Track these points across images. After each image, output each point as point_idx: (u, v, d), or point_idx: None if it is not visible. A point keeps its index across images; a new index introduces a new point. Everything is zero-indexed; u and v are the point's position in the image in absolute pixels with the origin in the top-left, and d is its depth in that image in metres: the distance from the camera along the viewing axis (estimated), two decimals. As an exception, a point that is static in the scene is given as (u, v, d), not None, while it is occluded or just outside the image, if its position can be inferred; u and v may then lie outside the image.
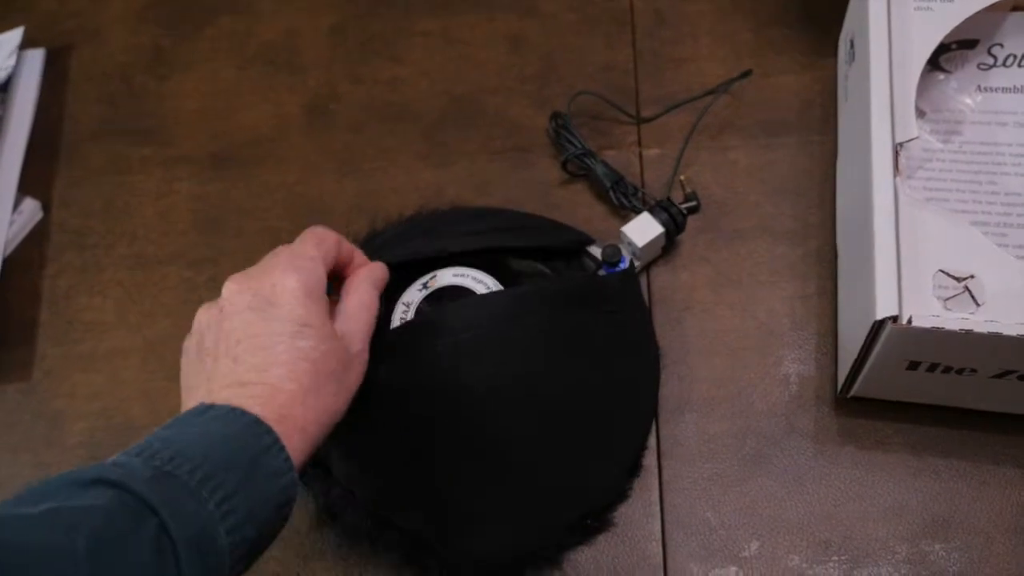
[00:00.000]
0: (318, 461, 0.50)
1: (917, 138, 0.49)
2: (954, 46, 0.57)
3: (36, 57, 0.70)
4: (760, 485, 0.51)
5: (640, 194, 0.59)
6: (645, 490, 0.52)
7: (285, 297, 0.41)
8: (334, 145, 0.65)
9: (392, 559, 0.50)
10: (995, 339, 0.43)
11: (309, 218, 0.62)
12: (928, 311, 0.44)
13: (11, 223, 0.63)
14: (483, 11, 0.69)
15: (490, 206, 0.61)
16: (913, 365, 0.47)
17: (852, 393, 0.51)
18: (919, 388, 0.49)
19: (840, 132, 0.60)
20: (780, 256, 0.57)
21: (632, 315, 0.54)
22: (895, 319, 0.44)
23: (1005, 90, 0.57)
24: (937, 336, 0.43)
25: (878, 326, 0.44)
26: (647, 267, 0.58)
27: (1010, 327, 0.42)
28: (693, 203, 0.57)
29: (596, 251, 0.56)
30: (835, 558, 0.49)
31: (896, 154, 0.48)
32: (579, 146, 0.60)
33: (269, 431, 0.38)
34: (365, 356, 0.44)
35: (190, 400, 0.41)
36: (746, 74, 0.62)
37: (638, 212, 0.57)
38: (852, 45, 0.57)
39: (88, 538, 0.32)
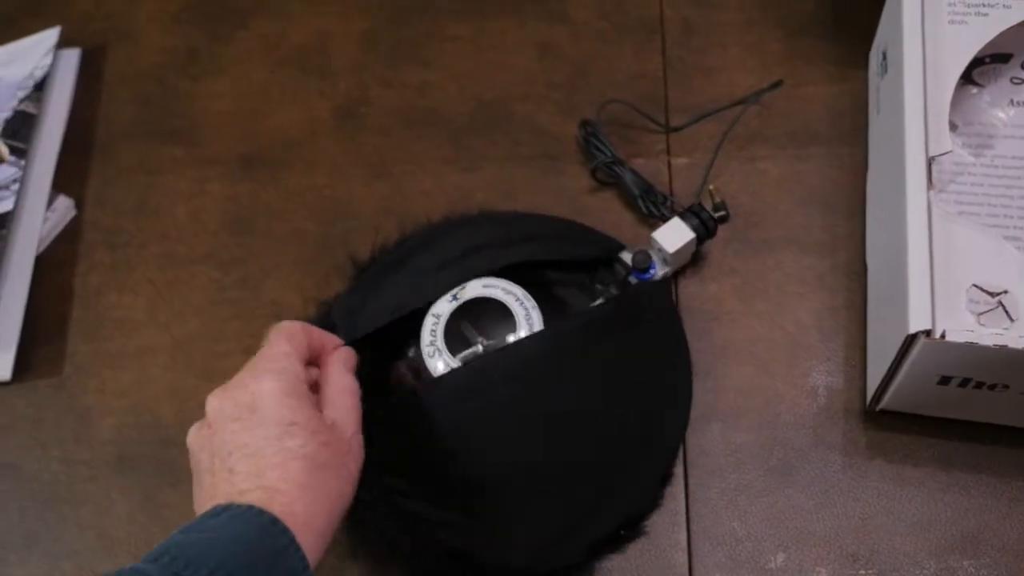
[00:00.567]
0: None
1: (950, 152, 0.49)
2: (988, 60, 0.57)
3: (72, 57, 0.71)
4: (787, 497, 0.51)
5: (669, 202, 0.59)
6: (671, 500, 0.52)
7: (265, 401, 0.42)
8: (363, 149, 0.66)
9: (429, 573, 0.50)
10: (1029, 355, 0.43)
11: (338, 220, 0.62)
12: (962, 326, 0.43)
13: (45, 220, 0.64)
14: (513, 17, 0.69)
15: (520, 211, 0.61)
16: (944, 380, 0.46)
17: (881, 406, 0.51)
18: (950, 403, 0.49)
19: (871, 144, 0.59)
20: (808, 267, 0.57)
21: (665, 324, 0.55)
22: (928, 333, 0.44)
23: (1039, 105, 0.57)
24: (970, 351, 0.43)
25: (910, 340, 0.44)
26: (675, 276, 0.58)
27: (1046, 343, 0.42)
28: (722, 212, 0.57)
29: (626, 256, 0.56)
30: (862, 572, 0.49)
31: (929, 168, 0.48)
32: (609, 154, 0.60)
33: (285, 531, 0.38)
34: (359, 438, 0.45)
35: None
36: (776, 84, 0.62)
37: (667, 220, 0.57)
38: (884, 57, 0.57)
39: None
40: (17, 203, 0.63)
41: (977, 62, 0.57)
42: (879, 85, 0.58)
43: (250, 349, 0.57)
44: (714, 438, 0.53)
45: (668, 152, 0.62)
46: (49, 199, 0.64)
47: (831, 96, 0.63)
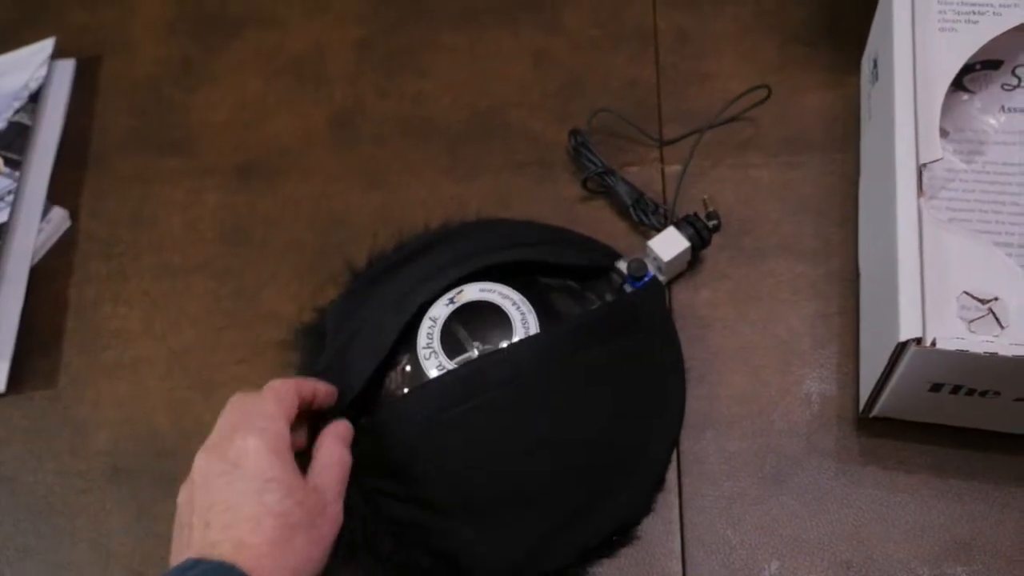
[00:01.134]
0: None
1: (941, 159, 0.49)
2: (978, 66, 0.57)
3: (67, 67, 0.71)
4: (781, 504, 0.51)
5: (661, 211, 0.59)
6: (666, 507, 0.52)
7: (250, 457, 0.43)
8: (359, 158, 0.66)
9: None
10: (1020, 362, 0.43)
11: (334, 230, 0.63)
12: (952, 333, 0.44)
13: (39, 232, 0.64)
14: (508, 27, 0.69)
15: (516, 218, 0.61)
16: (936, 387, 0.46)
17: (874, 413, 0.51)
18: (942, 409, 0.49)
19: (863, 151, 0.60)
20: (801, 274, 0.57)
21: (660, 330, 0.55)
22: (919, 341, 0.44)
23: (1030, 111, 0.57)
24: (961, 359, 0.43)
25: (901, 347, 0.44)
26: (669, 283, 0.58)
27: (1036, 350, 0.42)
28: (715, 222, 0.57)
29: (622, 265, 0.56)
30: (855, 579, 0.49)
31: (920, 174, 0.48)
32: (599, 164, 0.60)
33: None
34: (338, 508, 0.46)
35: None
36: (763, 100, 0.62)
37: (659, 229, 0.58)
38: (875, 65, 0.57)
39: None
40: (11, 214, 0.63)
41: (968, 69, 0.57)
42: (871, 92, 0.58)
43: (245, 360, 0.59)
44: (708, 446, 0.53)
45: (661, 160, 0.63)
46: (44, 210, 0.65)
47: (825, 103, 0.63)
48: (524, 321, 0.52)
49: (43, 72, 0.69)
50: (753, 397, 0.54)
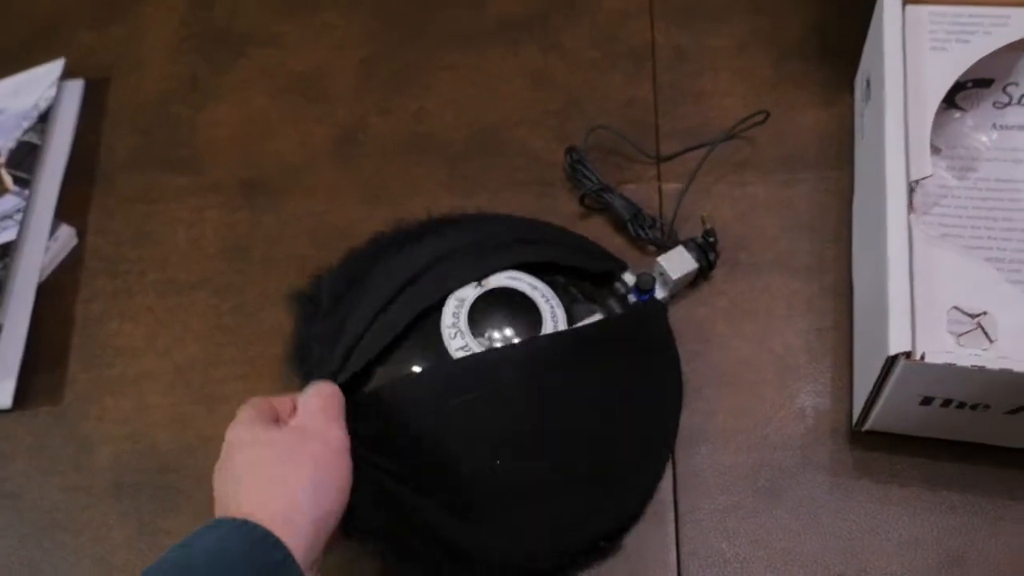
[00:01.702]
0: None
1: (931, 176, 0.50)
2: (970, 84, 0.58)
3: (75, 88, 0.73)
4: (775, 518, 0.51)
5: (659, 225, 0.60)
6: (661, 521, 0.52)
7: (233, 438, 0.45)
8: (362, 174, 0.67)
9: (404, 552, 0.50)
10: (1007, 376, 0.43)
11: (336, 245, 0.63)
12: (941, 347, 0.44)
13: (47, 250, 0.65)
14: (508, 46, 0.70)
15: (531, 217, 0.62)
16: (927, 400, 0.47)
17: (867, 427, 0.52)
18: (934, 423, 0.49)
19: (856, 169, 0.60)
20: (796, 290, 0.58)
21: (662, 343, 0.56)
22: (908, 355, 0.44)
23: (1021, 128, 0.58)
24: (950, 372, 0.44)
25: (891, 361, 0.45)
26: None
27: (1022, 364, 0.43)
28: (712, 239, 0.58)
29: (628, 277, 0.58)
30: (849, 591, 0.49)
31: (910, 192, 0.49)
32: (595, 181, 0.61)
33: (278, 545, 0.39)
34: (336, 434, 0.46)
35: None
36: (761, 122, 0.63)
37: (657, 244, 0.58)
38: (868, 84, 0.58)
39: None
40: (20, 233, 0.64)
41: (960, 87, 0.58)
42: (864, 111, 0.59)
43: (247, 376, 0.59)
44: (703, 460, 0.54)
45: (659, 178, 0.63)
46: (51, 228, 0.66)
47: (819, 121, 0.64)
48: (553, 315, 0.53)
49: (52, 92, 0.70)
50: (748, 411, 0.55)
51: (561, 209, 0.63)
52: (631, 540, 0.52)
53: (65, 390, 0.60)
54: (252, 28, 0.74)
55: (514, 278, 0.54)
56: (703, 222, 0.59)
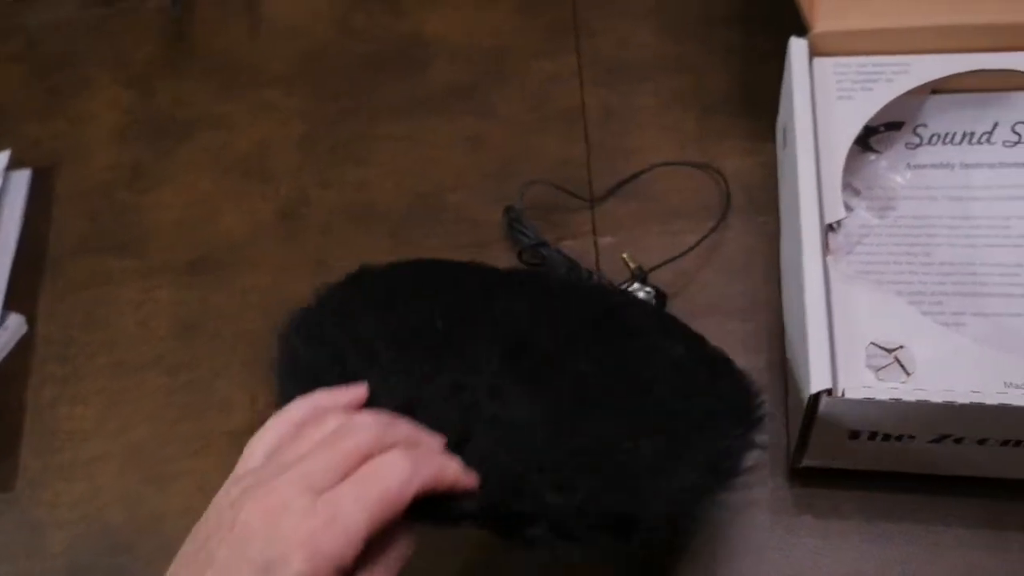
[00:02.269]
0: None
1: (847, 217, 0.52)
2: (882, 128, 0.61)
3: (22, 177, 0.74)
4: (717, 558, 0.52)
5: (596, 278, 0.62)
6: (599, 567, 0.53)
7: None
8: (306, 247, 0.68)
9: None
10: (923, 407, 0.45)
11: (284, 318, 0.64)
12: (860, 382, 0.46)
13: (-3, 339, 0.66)
14: (445, 115, 0.73)
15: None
16: (854, 434, 0.48)
17: (804, 463, 0.53)
18: (865, 455, 0.51)
19: (781, 213, 0.63)
20: (731, 331, 0.60)
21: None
22: (830, 391, 0.46)
23: (933, 166, 0.60)
24: (869, 406, 0.46)
25: (815, 398, 0.47)
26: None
27: (936, 394, 0.45)
28: (642, 277, 0.60)
29: None
30: (796, 628, 0.50)
31: (826, 233, 0.51)
32: (532, 237, 0.63)
33: None
34: None
35: None
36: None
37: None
38: (784, 133, 0.60)
39: None
40: (-31, 324, 0.65)
41: (872, 131, 0.60)
42: (782, 158, 0.62)
43: (199, 452, 0.60)
44: (649, 506, 0.54)
45: (594, 232, 0.65)
46: (1, 318, 0.66)
47: (745, 169, 0.66)
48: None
49: (-1, 184, 0.72)
50: (691, 455, 0.56)
51: (500, 266, 0.64)
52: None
53: (17, 478, 0.60)
54: (194, 112, 0.76)
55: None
56: (625, 262, 0.61)
